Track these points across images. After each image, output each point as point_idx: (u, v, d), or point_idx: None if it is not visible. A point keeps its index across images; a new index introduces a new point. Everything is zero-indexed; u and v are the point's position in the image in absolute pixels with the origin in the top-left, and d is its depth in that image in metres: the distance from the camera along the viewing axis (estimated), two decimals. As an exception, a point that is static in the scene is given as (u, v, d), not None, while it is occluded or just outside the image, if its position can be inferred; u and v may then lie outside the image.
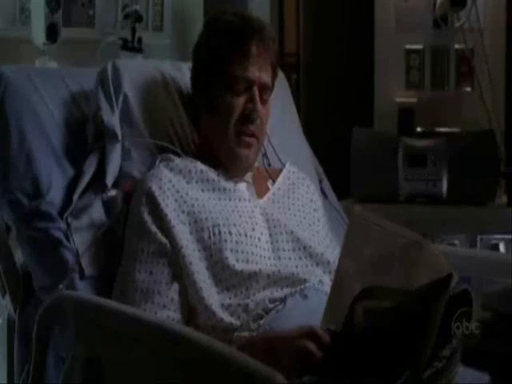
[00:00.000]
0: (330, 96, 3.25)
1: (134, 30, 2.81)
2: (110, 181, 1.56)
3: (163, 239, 1.39)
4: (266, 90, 1.50)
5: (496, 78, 2.98)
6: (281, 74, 1.90)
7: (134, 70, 1.65)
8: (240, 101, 1.47)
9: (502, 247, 2.56)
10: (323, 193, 1.91)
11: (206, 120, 1.53)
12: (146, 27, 2.95)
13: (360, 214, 1.12)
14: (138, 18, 2.84)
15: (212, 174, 1.50)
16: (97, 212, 1.53)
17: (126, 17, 2.85)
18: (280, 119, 1.84)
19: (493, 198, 2.70)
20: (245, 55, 1.47)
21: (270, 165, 1.68)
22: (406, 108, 3.04)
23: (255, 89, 1.48)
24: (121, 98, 1.59)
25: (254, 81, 1.47)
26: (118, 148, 1.57)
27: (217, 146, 1.51)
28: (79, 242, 1.49)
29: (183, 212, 1.41)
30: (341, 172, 2.40)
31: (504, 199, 2.76)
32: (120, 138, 1.57)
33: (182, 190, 1.44)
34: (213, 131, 1.52)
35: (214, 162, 1.53)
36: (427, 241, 1.05)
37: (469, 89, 3.06)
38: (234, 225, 1.42)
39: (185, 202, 1.43)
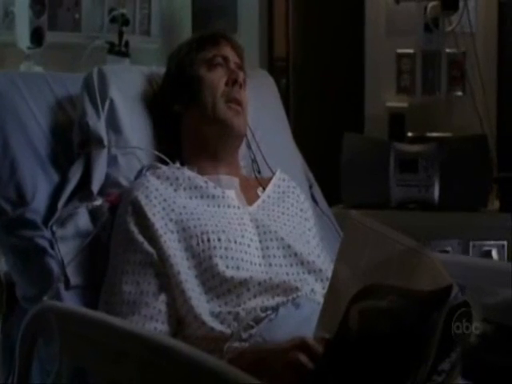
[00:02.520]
0: (319, 100, 3.25)
1: (120, 34, 2.81)
2: (95, 188, 1.54)
3: (150, 249, 1.38)
4: (241, 71, 1.54)
5: (488, 83, 2.98)
6: (270, 79, 1.97)
7: (120, 76, 1.66)
8: (222, 72, 1.53)
9: (494, 254, 2.56)
10: (313, 199, 1.91)
11: (188, 114, 1.54)
12: (133, 31, 2.95)
13: (357, 219, 1.10)
14: (124, 21, 2.83)
15: (200, 180, 1.49)
16: (82, 220, 1.52)
17: (112, 20, 2.84)
18: (269, 125, 1.85)
19: (485, 203, 2.70)
20: (217, 41, 1.56)
21: (259, 172, 1.68)
22: (396, 113, 3.03)
23: (232, 62, 1.54)
24: (107, 104, 1.59)
25: (229, 57, 1.54)
26: (103, 154, 1.56)
27: (204, 133, 1.51)
28: (64, 251, 1.47)
29: (171, 220, 1.40)
30: (331, 178, 2.40)
31: (496, 205, 2.75)
32: (106, 144, 1.56)
33: (170, 198, 1.43)
34: (198, 120, 1.52)
35: (201, 165, 1.53)
36: (426, 249, 1.03)
37: (460, 93, 3.06)
38: (223, 231, 1.41)
39: (172, 210, 1.42)
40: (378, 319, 1.04)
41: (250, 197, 1.56)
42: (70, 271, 1.45)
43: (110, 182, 1.56)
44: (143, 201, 1.41)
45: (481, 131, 2.90)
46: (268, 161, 1.73)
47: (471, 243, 2.60)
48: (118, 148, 1.56)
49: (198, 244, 1.38)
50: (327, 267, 1.48)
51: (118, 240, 1.43)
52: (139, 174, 1.52)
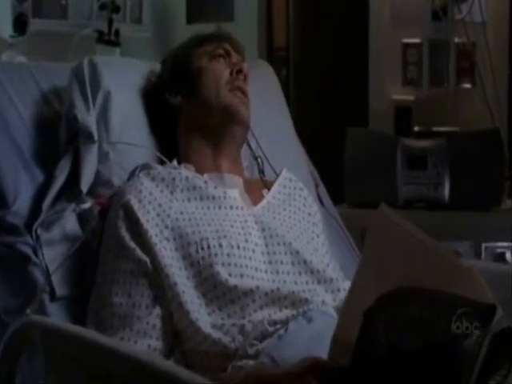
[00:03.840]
0: (321, 93, 3.21)
1: (110, 22, 2.69)
2: (84, 187, 1.48)
3: (143, 256, 1.32)
4: (243, 65, 1.53)
5: (498, 74, 2.91)
6: (270, 70, 1.93)
7: (112, 67, 1.62)
8: (224, 64, 1.52)
9: (508, 256, 2.51)
10: (319, 199, 1.86)
11: (188, 106, 1.51)
12: (123, 19, 2.86)
13: (386, 216, 1.02)
14: (114, 8, 2.72)
15: (199, 180, 1.43)
16: (70, 224, 1.46)
17: (101, 7, 2.74)
18: (271, 120, 1.80)
19: (498, 202, 2.65)
20: (218, 38, 1.55)
21: (263, 172, 1.63)
22: (402, 106, 2.98)
23: (234, 54, 1.53)
24: (99, 96, 1.54)
25: (230, 51, 1.54)
26: (93, 150, 1.50)
27: (206, 123, 1.49)
28: (50, 257, 1.41)
29: (166, 227, 1.35)
30: (333, 175, 2.32)
31: (510, 204, 2.71)
32: (96, 139, 1.51)
33: (165, 203, 1.37)
34: (199, 110, 1.50)
35: (201, 162, 1.48)
36: (467, 260, 0.93)
37: (470, 85, 3.01)
38: (225, 236, 1.36)
39: (168, 216, 1.36)
40: (408, 330, 0.96)
41: (254, 197, 1.50)
42: (56, 281, 1.39)
43: (100, 180, 1.50)
44: (136, 205, 1.35)
45: (491, 125, 2.85)
46: (270, 160, 1.68)
47: (483, 245, 2.54)
48: (110, 143, 1.51)
49: (196, 251, 1.32)
50: (337, 277, 1.43)
51: (109, 246, 1.37)
52: (132, 174, 1.45)
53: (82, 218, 1.46)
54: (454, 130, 2.91)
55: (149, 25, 3.03)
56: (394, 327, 0.96)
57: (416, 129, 2.97)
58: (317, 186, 1.89)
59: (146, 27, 3.02)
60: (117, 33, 2.74)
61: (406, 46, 3.04)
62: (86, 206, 1.42)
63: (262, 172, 1.63)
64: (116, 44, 2.72)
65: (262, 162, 1.65)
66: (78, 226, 1.46)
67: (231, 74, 1.52)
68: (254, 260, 1.36)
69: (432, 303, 0.97)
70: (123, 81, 1.60)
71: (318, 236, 1.53)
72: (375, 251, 1.02)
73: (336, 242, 1.76)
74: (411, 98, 3.02)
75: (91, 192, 1.48)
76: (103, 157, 1.51)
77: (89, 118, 1.52)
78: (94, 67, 1.57)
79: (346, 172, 2.67)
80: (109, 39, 2.71)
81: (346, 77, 3.20)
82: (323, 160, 2.04)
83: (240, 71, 1.52)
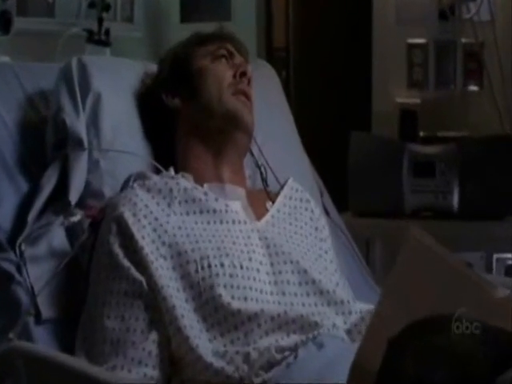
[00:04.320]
0: (322, 96, 3.20)
1: (100, 21, 2.69)
2: (73, 198, 1.43)
3: (138, 276, 1.26)
4: (247, 67, 1.50)
5: (508, 76, 2.84)
6: (272, 71, 1.89)
7: (103, 68, 1.59)
8: (227, 66, 1.49)
9: None
10: (325, 209, 1.81)
11: (187, 110, 1.48)
12: (114, 17, 2.86)
13: (418, 238, 0.99)
14: (105, 6, 2.71)
15: (198, 192, 1.38)
16: (57, 238, 1.42)
17: (91, 5, 2.74)
18: (273, 125, 1.76)
19: (510, 211, 2.62)
20: (220, 38, 1.53)
21: (266, 182, 1.57)
22: (407, 109, 2.92)
23: (238, 56, 1.51)
24: (89, 99, 1.50)
25: (233, 52, 1.51)
26: (83, 158, 1.46)
27: (207, 128, 1.45)
28: (35, 275, 1.36)
29: (163, 244, 1.30)
30: (336, 182, 2.26)
31: None
32: (86, 145, 1.47)
33: (162, 217, 1.33)
34: (200, 114, 1.46)
35: (200, 171, 1.44)
36: (503, 290, 0.87)
37: (478, 88, 2.95)
38: (227, 255, 1.30)
39: (165, 231, 1.31)
40: (438, 362, 0.89)
41: (257, 211, 1.45)
42: (42, 301, 1.34)
43: (90, 191, 1.46)
44: (130, 219, 1.30)
45: (500, 129, 2.81)
46: (274, 168, 1.62)
47: (495, 256, 2.51)
48: (101, 151, 1.47)
49: (196, 271, 1.27)
50: (348, 298, 1.39)
51: (100, 264, 1.32)
52: (126, 184, 1.40)
53: (71, 232, 1.42)
54: (462, 135, 2.87)
55: (141, 24, 3.04)
56: (422, 358, 0.90)
57: (421, 133, 2.93)
58: (321, 195, 1.85)
59: (138, 26, 3.03)
60: (107, 32, 2.73)
61: (412, 46, 3.01)
62: (75, 218, 1.37)
63: (265, 182, 1.58)
64: (106, 44, 2.71)
65: (265, 170, 1.59)
66: (67, 240, 1.42)
67: (234, 76, 1.48)
68: (259, 281, 1.31)
69: (466, 334, 0.91)
70: (115, 82, 1.56)
71: (326, 253, 1.48)
72: (404, 275, 0.98)
73: (342, 255, 1.71)
74: (417, 100, 2.98)
75: (81, 203, 1.44)
76: (94, 165, 1.47)
77: (78, 123, 1.48)
78: (83, 67, 1.53)
79: (349, 179, 2.64)
80: (99, 39, 2.70)
81: (348, 78, 3.21)
82: (325, 166, 2.02)
83: (244, 74, 1.48)
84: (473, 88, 2.97)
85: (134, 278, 1.26)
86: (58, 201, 1.44)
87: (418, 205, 2.65)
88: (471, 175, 2.60)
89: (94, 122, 1.50)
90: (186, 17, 3.02)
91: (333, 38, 3.24)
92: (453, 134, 2.89)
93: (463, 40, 2.94)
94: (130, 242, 1.28)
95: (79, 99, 1.49)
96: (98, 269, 1.31)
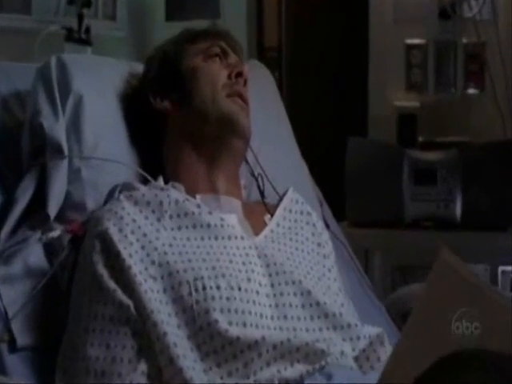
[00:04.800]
0: (317, 98, 3.18)
1: (80, 18, 2.65)
2: (52, 211, 1.38)
3: (125, 300, 1.20)
4: (243, 67, 1.47)
5: (511, 78, 2.84)
6: (266, 72, 1.86)
7: (85, 67, 1.55)
8: (221, 65, 1.45)
9: None
10: (324, 220, 1.76)
11: (178, 113, 1.44)
12: (95, 15, 2.81)
13: (449, 263, 0.94)
14: (85, 3, 2.67)
15: (191, 205, 1.32)
16: (34, 256, 1.36)
17: (70, 1, 2.69)
18: (269, 130, 1.72)
19: None
20: (214, 35, 1.49)
21: (263, 192, 1.52)
22: (406, 113, 2.91)
23: (232, 54, 1.48)
24: (69, 101, 1.46)
25: (228, 51, 1.48)
26: (63, 166, 1.42)
27: (200, 133, 1.42)
28: (9, 298, 1.31)
29: (153, 263, 1.24)
30: (333, 190, 2.22)
31: None
32: (66, 153, 1.42)
33: (151, 232, 1.27)
34: (191, 118, 1.43)
35: (192, 181, 1.39)
36: None
37: (479, 90, 2.93)
38: (223, 275, 1.24)
39: (155, 248, 1.25)
40: None
41: (255, 225, 1.40)
42: (17, 327, 1.29)
43: (71, 203, 1.41)
44: (116, 235, 1.25)
45: (503, 135, 2.79)
46: (271, 177, 1.57)
47: (500, 269, 2.48)
48: (82, 158, 1.43)
49: (189, 294, 1.21)
50: (356, 321, 1.33)
51: (83, 285, 1.26)
52: (110, 195, 1.35)
53: (49, 248, 1.37)
54: (463, 141, 2.85)
55: (124, 22, 2.99)
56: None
57: (421, 139, 2.91)
58: (321, 205, 1.80)
59: (121, 24, 2.98)
60: (88, 30, 2.70)
61: (410, 46, 2.99)
62: (55, 234, 1.32)
63: (262, 193, 1.52)
64: (87, 43, 2.67)
65: (262, 180, 1.53)
66: (45, 258, 1.37)
67: (229, 76, 1.44)
68: (259, 304, 1.25)
69: (498, 371, 0.86)
70: (98, 83, 1.52)
71: (329, 270, 1.43)
72: (432, 305, 0.93)
73: (343, 269, 1.66)
74: (416, 104, 2.96)
75: (60, 217, 1.39)
76: (74, 174, 1.42)
77: (57, 128, 1.43)
78: (63, 67, 1.49)
79: (346, 187, 2.60)
80: (79, 37, 2.66)
81: (343, 80, 3.20)
82: (319, 173, 1.98)
83: (240, 74, 1.44)
84: (474, 91, 2.95)
85: (121, 301, 1.19)
86: (35, 214, 1.39)
87: (419, 214, 2.62)
88: (475, 183, 2.57)
89: (74, 127, 1.45)
90: (171, 15, 2.98)
91: (327, 38, 3.23)
92: (453, 140, 2.86)
93: (464, 40, 2.92)
94: (116, 261, 1.22)
95: (58, 101, 1.45)
96: (80, 291, 1.25)
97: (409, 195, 2.60)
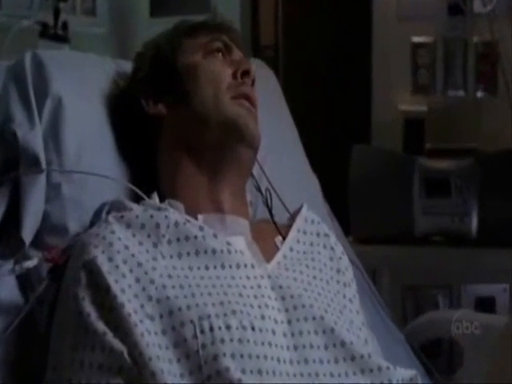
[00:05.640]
0: (315, 101, 3.12)
1: (57, 13, 2.66)
2: (28, 235, 1.30)
3: (117, 344, 1.11)
4: (250, 65, 1.40)
5: None
6: (269, 72, 1.82)
7: (65, 65, 1.47)
8: (224, 62, 1.38)
9: None
10: None
11: (174, 117, 1.37)
12: (73, 9, 2.83)
13: None
14: None
15: (192, 227, 1.24)
16: (7, 289, 1.28)
17: None
18: (277, 138, 1.67)
19: None
20: (215, 28, 1.42)
21: (270, 209, 1.44)
22: (412, 118, 2.85)
23: (236, 50, 1.41)
24: (47, 105, 1.38)
25: (231, 46, 1.41)
26: (40, 182, 1.34)
27: (200, 141, 1.34)
28: None
29: (150, 299, 1.15)
30: (335, 202, 2.15)
31: None
32: (44, 165, 1.34)
33: (147, 261, 1.18)
34: (190, 123, 1.35)
35: (191, 198, 1.31)
36: None
37: (492, 93, 2.86)
38: (233, 312, 1.15)
39: (152, 281, 1.17)
40: None
41: (265, 249, 1.32)
42: None
43: (50, 225, 1.33)
44: (105, 266, 1.15)
45: None
46: (279, 191, 1.50)
47: None
48: (63, 172, 1.35)
49: (194, 336, 1.12)
50: (386, 363, 1.24)
51: (65, 326, 1.16)
52: (97, 217, 1.27)
53: (25, 280, 1.28)
54: (476, 147, 2.80)
55: (104, 17, 3.00)
56: None
57: (428, 145, 2.86)
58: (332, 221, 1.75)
59: (101, 20, 3.00)
60: (65, 26, 2.71)
61: (417, 45, 2.93)
62: (30, 263, 1.24)
63: (271, 211, 1.43)
64: (64, 39, 2.66)
65: (270, 195, 1.45)
66: (19, 292, 1.28)
67: (234, 75, 1.36)
68: (275, 346, 1.16)
69: None
70: (80, 84, 1.45)
71: (351, 301, 1.35)
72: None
73: (362, 298, 1.56)
74: (423, 108, 2.90)
75: (37, 242, 1.31)
76: (54, 191, 1.34)
77: (33, 136, 1.35)
78: (39, 65, 1.42)
79: (350, 200, 2.54)
80: (55, 33, 2.65)
81: (344, 82, 3.16)
82: (321, 183, 1.92)
83: (246, 73, 1.35)
84: (486, 93, 2.90)
85: (112, 346, 1.10)
86: (7, 239, 1.32)
87: (431, 228, 2.57)
88: (492, 194, 2.52)
89: (53, 135, 1.37)
90: (157, 10, 2.96)
91: (327, 36, 3.20)
92: (464, 146, 2.81)
93: (475, 38, 2.87)
94: (106, 298, 1.13)
95: (34, 106, 1.38)
96: (63, 332, 1.15)
97: (420, 208, 2.56)
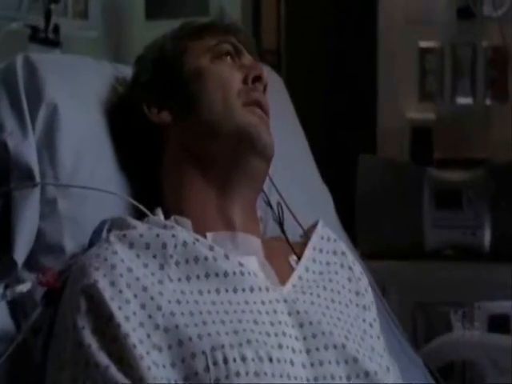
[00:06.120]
0: (319, 108, 3.08)
1: (48, 15, 2.58)
2: (20, 255, 1.25)
3: (121, 379, 1.05)
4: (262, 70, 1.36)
5: None
6: (277, 78, 1.77)
7: (59, 70, 1.42)
8: (233, 67, 1.34)
9: None
10: None
11: (180, 126, 1.33)
12: (64, 12, 2.76)
13: None
14: None
15: (202, 246, 1.17)
16: None
17: None
18: (287, 149, 1.60)
19: None
20: (223, 29, 1.37)
21: (283, 228, 1.39)
22: (420, 127, 2.85)
23: (246, 54, 1.36)
24: (41, 114, 1.33)
25: (241, 49, 1.36)
26: (34, 197, 1.29)
27: (209, 152, 1.30)
28: None
29: (157, 328, 1.09)
30: (342, 215, 2.06)
31: None
32: (38, 179, 1.29)
33: (153, 286, 1.13)
34: (198, 133, 1.30)
35: (198, 214, 1.26)
36: None
37: (503, 101, 2.86)
38: (249, 342, 1.10)
39: (159, 307, 1.11)
40: None
41: (279, 269, 1.26)
42: None
43: (44, 244, 1.28)
44: (107, 291, 1.10)
45: None
46: (291, 206, 1.44)
47: None
48: (59, 186, 1.30)
49: (207, 368, 1.07)
50: None
51: (63, 358, 1.10)
52: (97, 236, 1.21)
53: (17, 306, 1.23)
54: (485, 157, 2.78)
55: (97, 20, 2.97)
56: None
57: (436, 155, 2.84)
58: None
59: (94, 23, 2.96)
60: (56, 29, 2.64)
61: (424, 51, 2.94)
62: (24, 287, 1.18)
63: (282, 227, 1.38)
64: (55, 43, 2.61)
65: (281, 210, 1.39)
66: (11, 320, 1.23)
67: (245, 81, 1.32)
68: (295, 378, 1.11)
69: None
70: (76, 90, 1.40)
71: (371, 326, 1.29)
72: None
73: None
74: (431, 116, 2.90)
75: (31, 263, 1.25)
76: (49, 207, 1.29)
77: (26, 147, 1.30)
78: (32, 70, 1.36)
79: (358, 212, 2.54)
80: (45, 37, 2.60)
81: (349, 89, 3.12)
82: None
83: (258, 78, 1.30)
84: (497, 101, 2.90)
85: (116, 381, 1.03)
86: None
87: (442, 242, 2.57)
88: (505, 207, 2.53)
89: (48, 146, 1.32)
90: (152, 12, 2.92)
91: (331, 40, 3.17)
92: (474, 156, 2.80)
93: (485, 43, 2.88)
94: (108, 327, 1.07)
95: (27, 113, 1.33)
96: (60, 364, 1.09)
97: (430, 221, 2.55)
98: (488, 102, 2.88)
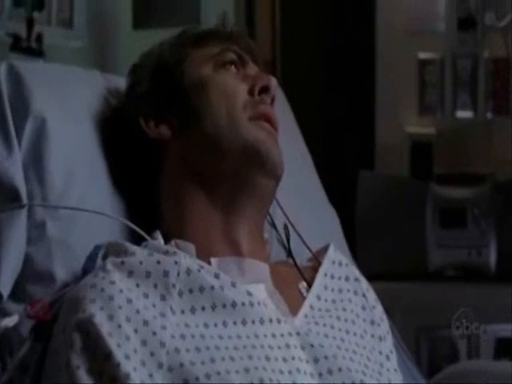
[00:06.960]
0: (315, 121, 3.00)
1: (30, 23, 2.51)
2: (5, 285, 1.18)
3: None
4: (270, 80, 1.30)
5: None
6: (279, 92, 1.66)
7: (47, 80, 1.37)
8: (238, 77, 1.29)
9: None
10: None
11: (180, 142, 1.28)
12: (48, 20, 2.66)
13: None
14: (36, 4, 2.57)
15: (207, 274, 1.11)
16: None
17: (17, 3, 2.57)
18: (292, 166, 1.54)
19: None
20: (226, 37, 1.33)
21: (291, 253, 1.34)
22: (420, 141, 2.84)
23: (251, 63, 1.32)
24: (28, 128, 1.27)
25: (245, 58, 1.32)
26: (20, 220, 1.23)
27: (213, 171, 1.25)
28: None
29: (160, 366, 1.03)
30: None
31: None
32: (25, 201, 1.23)
33: (155, 319, 1.06)
34: (200, 149, 1.25)
35: (202, 238, 1.20)
36: None
37: (505, 114, 2.83)
38: (261, 380, 1.04)
39: (162, 344, 1.05)
40: None
41: (288, 297, 1.20)
42: None
43: (32, 272, 1.21)
44: (105, 326, 1.03)
45: None
46: (298, 228, 1.39)
47: None
48: (48, 208, 1.24)
49: None
50: None
51: None
52: (91, 262, 1.15)
53: (2, 342, 1.16)
54: (488, 173, 2.75)
55: (82, 29, 2.84)
56: None
57: (437, 171, 2.82)
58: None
59: (79, 32, 2.83)
60: (39, 38, 2.56)
61: (424, 62, 2.93)
62: (10, 321, 1.13)
63: (290, 251, 1.33)
64: (38, 53, 2.54)
65: (288, 233, 1.34)
66: None
67: (251, 92, 1.26)
68: None
69: None
70: (66, 102, 1.34)
71: (387, 358, 1.24)
72: None
73: None
74: (431, 130, 2.89)
75: (17, 293, 1.19)
76: (37, 230, 1.23)
77: (11, 164, 1.24)
78: (17, 79, 1.31)
79: (358, 231, 2.50)
80: (28, 46, 2.52)
81: (346, 102, 3.11)
82: None
83: (265, 89, 1.24)
84: (498, 114, 2.88)
85: None
86: None
87: (446, 262, 2.55)
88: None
89: (35, 163, 1.26)
90: (140, 21, 2.87)
91: (328, 52, 3.16)
92: (476, 172, 2.78)
93: (487, 54, 2.86)
94: (106, 366, 1.00)
95: (12, 127, 1.26)
96: None
97: (433, 240, 2.53)
98: (489, 115, 2.85)
